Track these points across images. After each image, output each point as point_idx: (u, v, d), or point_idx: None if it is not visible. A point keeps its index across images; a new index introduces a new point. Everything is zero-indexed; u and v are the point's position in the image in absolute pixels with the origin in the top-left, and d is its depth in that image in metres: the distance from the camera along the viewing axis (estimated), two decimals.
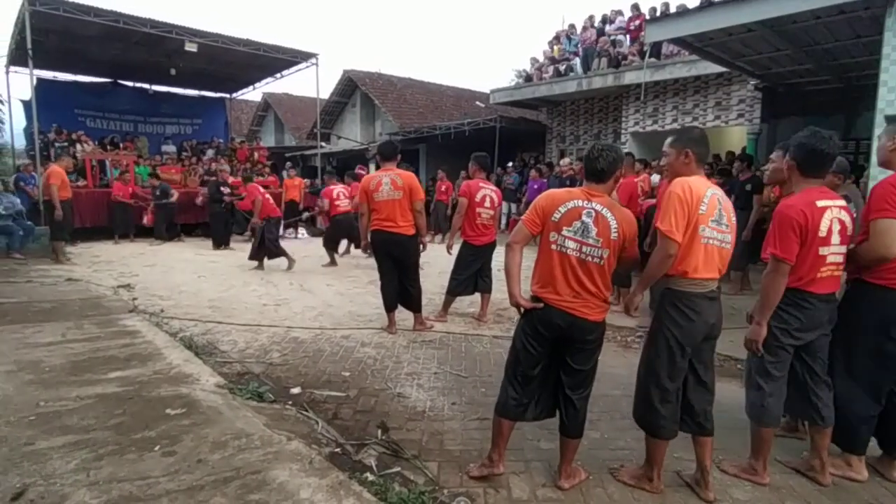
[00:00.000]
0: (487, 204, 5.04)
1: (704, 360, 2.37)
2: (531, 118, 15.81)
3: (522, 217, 2.43)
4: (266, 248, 7.93)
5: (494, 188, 5.24)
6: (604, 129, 13.07)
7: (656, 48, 10.53)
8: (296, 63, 13.45)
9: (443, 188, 11.87)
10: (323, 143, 18.37)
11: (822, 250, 2.35)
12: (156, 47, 11.93)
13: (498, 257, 4.14)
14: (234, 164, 13.87)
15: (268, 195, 8.47)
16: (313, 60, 13.11)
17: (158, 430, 2.53)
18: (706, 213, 2.21)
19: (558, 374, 2.39)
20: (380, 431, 2.81)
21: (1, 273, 6.67)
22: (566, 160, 11.10)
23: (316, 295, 6.26)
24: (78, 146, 12.44)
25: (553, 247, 2.27)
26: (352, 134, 19.99)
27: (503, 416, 2.40)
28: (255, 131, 24.77)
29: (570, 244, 2.24)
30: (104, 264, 8.07)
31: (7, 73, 11.58)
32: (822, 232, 2.33)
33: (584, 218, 2.24)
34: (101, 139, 13.55)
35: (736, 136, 10.79)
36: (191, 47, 11.02)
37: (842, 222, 2.37)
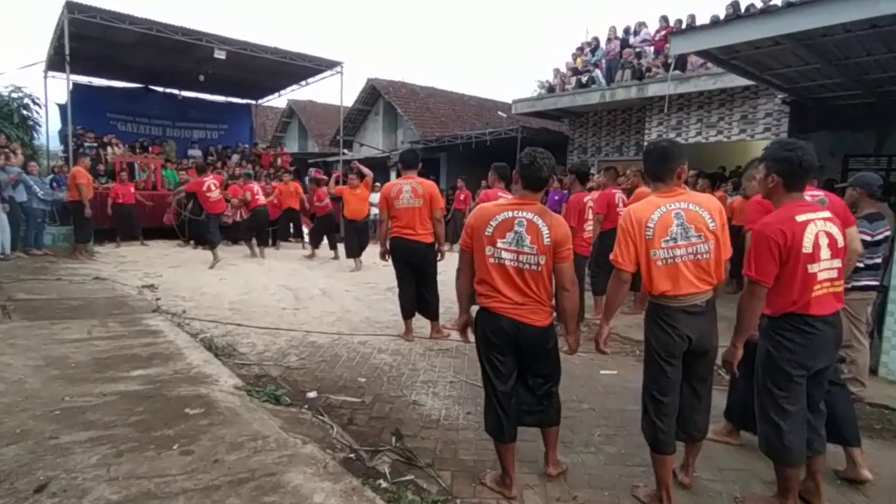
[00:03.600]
0: None
1: (700, 376, 2.37)
2: (553, 129, 15.77)
3: (460, 241, 2.53)
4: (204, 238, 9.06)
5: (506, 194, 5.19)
6: (626, 141, 12.96)
7: (681, 60, 10.43)
8: (321, 71, 13.67)
9: (461, 197, 11.90)
10: (345, 150, 18.57)
11: (811, 267, 2.18)
12: (186, 54, 12.26)
13: None
14: (258, 170, 14.13)
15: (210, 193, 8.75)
16: (338, 69, 13.31)
17: (177, 429, 2.56)
18: (654, 236, 2.20)
19: (523, 380, 2.45)
20: (394, 438, 2.81)
21: (32, 271, 6.87)
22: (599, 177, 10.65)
23: (334, 300, 6.30)
24: (109, 149, 12.81)
25: (491, 259, 2.33)
26: (374, 142, 20.17)
27: (498, 439, 2.40)
28: (280, 137, 25.16)
29: (507, 255, 2.30)
30: (130, 264, 8.27)
31: (45, 77, 12.00)
32: (807, 248, 2.17)
33: (516, 228, 2.29)
34: (132, 143, 13.94)
35: (762, 150, 10.60)
36: (220, 54, 11.29)
37: (829, 235, 2.21)
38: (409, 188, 4.62)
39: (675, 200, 2.26)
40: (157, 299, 5.75)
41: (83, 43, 10.65)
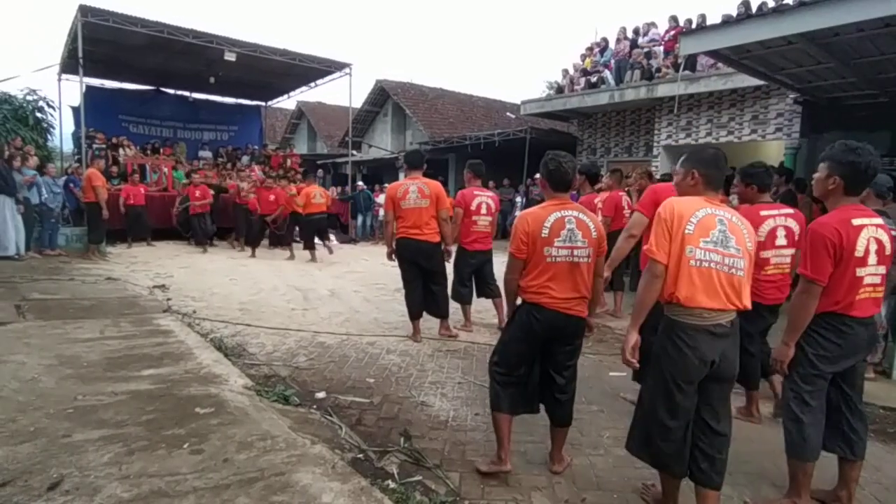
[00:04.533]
0: (484, 211, 5.01)
1: (712, 404, 2.10)
2: (562, 130, 15.72)
3: (510, 249, 2.55)
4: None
5: (491, 194, 5.23)
6: (635, 142, 12.90)
7: (691, 61, 10.36)
8: (330, 72, 13.73)
9: None
10: (354, 152, 18.65)
11: (860, 271, 2.23)
12: (197, 56, 12.38)
13: (500, 265, 4.21)
14: (267, 171, 14.22)
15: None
16: (347, 70, 13.37)
17: (188, 428, 2.59)
18: (694, 233, 2.01)
19: (543, 376, 2.59)
20: (402, 439, 2.82)
21: (46, 271, 6.97)
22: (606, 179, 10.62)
23: (343, 301, 6.33)
24: (120, 150, 12.96)
25: (548, 259, 2.44)
26: (383, 143, 20.23)
27: (497, 409, 2.55)
28: (289, 139, 25.30)
29: (563, 252, 2.44)
30: (141, 265, 8.35)
31: (59, 80, 12.17)
32: (859, 252, 2.21)
33: (567, 226, 2.45)
34: (143, 144, 14.08)
35: (773, 150, 10.49)
36: (230, 57, 11.38)
37: (879, 241, 2.26)
38: (415, 188, 4.63)
39: (719, 207, 2.11)
40: (168, 299, 5.81)
41: (96, 46, 10.79)
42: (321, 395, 3.41)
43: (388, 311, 5.86)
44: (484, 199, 5.04)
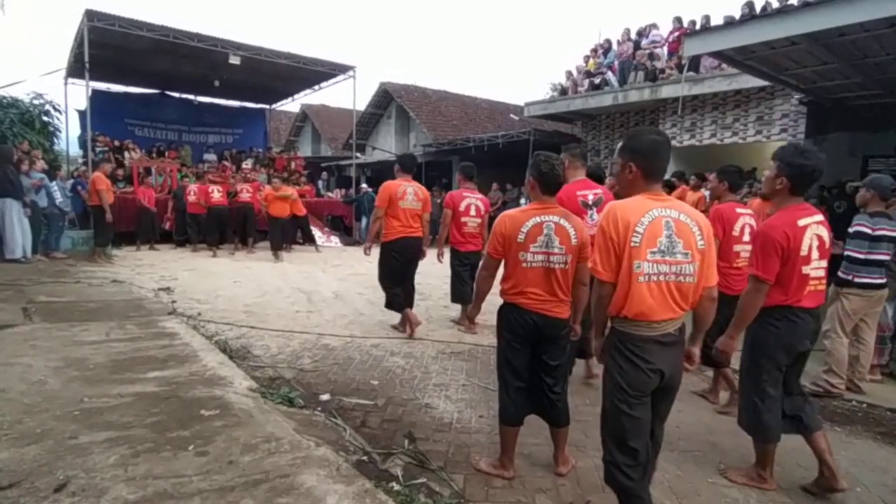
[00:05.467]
0: (473, 212, 5.23)
1: (661, 416, 2.07)
2: (565, 131, 15.71)
3: (487, 248, 2.58)
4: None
5: (481, 196, 5.39)
6: None
7: (695, 62, 10.34)
8: (334, 75, 13.78)
9: None
10: (358, 154, 18.69)
11: (805, 269, 2.41)
12: (201, 60, 12.45)
13: None
14: (271, 174, 14.28)
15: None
16: (351, 73, 13.40)
17: (193, 430, 2.59)
18: (641, 244, 1.84)
19: (538, 379, 2.57)
20: (407, 441, 2.82)
21: (52, 274, 7.00)
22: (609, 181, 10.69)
23: (347, 303, 6.34)
24: (126, 154, 13.03)
25: (523, 264, 2.44)
26: (387, 145, 20.27)
27: (506, 423, 2.56)
28: (293, 141, 25.39)
29: (539, 258, 2.43)
30: (146, 267, 8.39)
31: (65, 84, 12.25)
32: (804, 251, 2.38)
33: (545, 231, 2.42)
34: (149, 147, 14.16)
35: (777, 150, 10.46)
36: (234, 60, 11.44)
37: (820, 238, 2.43)
38: (412, 190, 4.92)
39: (665, 205, 1.92)
40: (174, 302, 5.83)
41: (102, 50, 10.86)
42: (325, 397, 3.42)
43: (393, 313, 5.84)
44: (472, 200, 5.24)
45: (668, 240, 1.86)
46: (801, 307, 2.44)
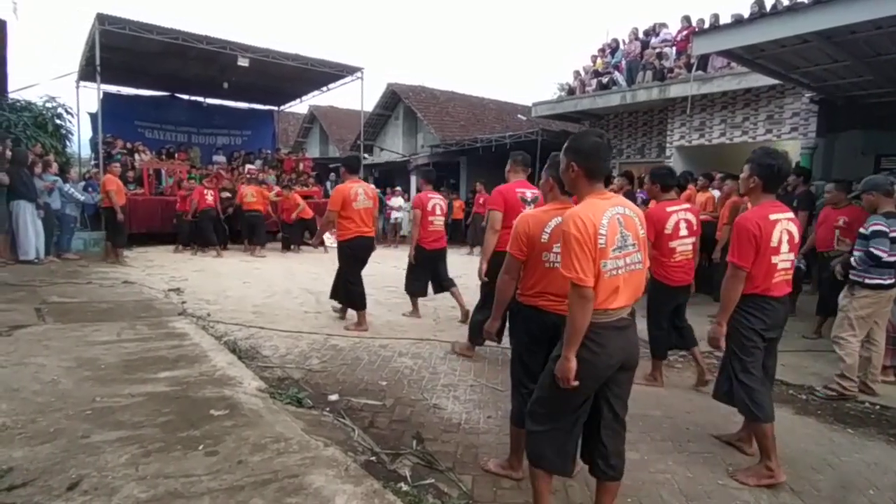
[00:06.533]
0: (438, 212, 5.62)
1: (621, 395, 2.10)
2: (573, 131, 15.64)
3: (510, 249, 2.46)
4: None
5: (441, 197, 5.90)
6: (648, 143, 12.80)
7: (703, 61, 10.26)
8: (342, 77, 13.82)
9: (480, 200, 11.88)
10: (366, 155, 18.73)
11: (774, 258, 2.66)
12: (210, 62, 12.54)
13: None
14: (280, 175, 14.36)
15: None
16: (358, 74, 13.45)
17: (202, 430, 2.61)
18: (606, 245, 1.92)
19: None
20: (415, 442, 2.82)
21: (65, 275, 7.09)
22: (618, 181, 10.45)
23: None
24: (136, 156, 13.15)
25: (546, 264, 2.39)
26: (394, 146, 20.31)
27: (517, 425, 2.47)
28: (301, 143, 25.51)
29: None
30: (157, 268, 8.46)
31: (77, 88, 12.39)
32: (774, 242, 2.64)
33: None
34: (158, 149, 14.28)
35: (789, 150, 10.29)
36: (243, 62, 11.51)
37: (789, 233, 2.69)
38: (362, 191, 5.18)
39: (614, 203, 2.02)
40: (183, 302, 5.88)
41: (112, 53, 10.97)
42: (334, 397, 3.43)
43: (400, 313, 5.87)
44: (437, 201, 5.68)
45: (621, 235, 1.97)
46: (772, 296, 2.70)
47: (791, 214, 2.76)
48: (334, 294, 5.45)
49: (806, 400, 3.80)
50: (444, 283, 5.67)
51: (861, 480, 2.69)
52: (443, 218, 5.70)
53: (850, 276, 3.78)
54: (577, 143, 2.06)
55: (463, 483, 2.47)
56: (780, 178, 2.76)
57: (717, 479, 2.64)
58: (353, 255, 5.19)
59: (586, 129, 2.63)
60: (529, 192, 4.11)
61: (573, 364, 1.92)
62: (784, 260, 2.69)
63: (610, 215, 1.95)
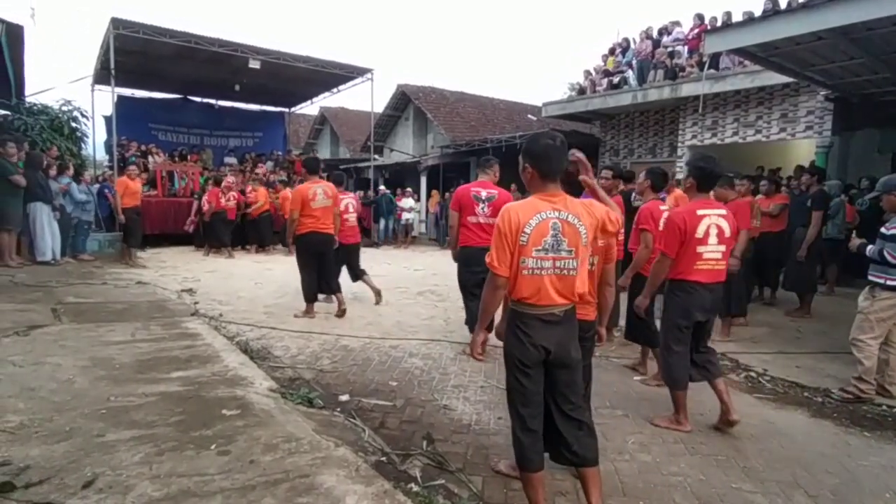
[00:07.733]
0: (351, 209, 6.35)
1: (563, 391, 2.16)
2: (584, 131, 15.59)
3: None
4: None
5: (353, 195, 6.91)
6: (659, 143, 12.70)
7: (716, 59, 10.17)
8: (352, 78, 13.89)
9: None
10: (376, 156, 18.79)
11: (699, 248, 3.03)
12: (222, 65, 12.66)
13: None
14: (291, 176, 14.45)
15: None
16: (369, 75, 13.50)
17: (215, 430, 2.63)
18: (528, 243, 2.03)
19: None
20: (425, 443, 2.82)
21: (80, 276, 7.19)
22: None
23: (365, 304, 6.37)
24: (150, 158, 13.32)
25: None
26: (405, 147, 20.34)
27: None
28: (312, 144, 25.65)
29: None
30: (170, 269, 8.56)
31: (92, 91, 12.57)
32: (699, 234, 3.01)
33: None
34: (171, 151, 14.45)
35: (804, 149, 10.22)
36: (254, 64, 11.61)
37: (719, 227, 3.05)
38: (321, 190, 5.49)
39: (555, 207, 2.08)
40: (196, 303, 5.94)
41: (126, 56, 11.13)
42: (345, 397, 3.44)
43: (411, 314, 5.88)
44: (349, 200, 6.39)
45: (553, 239, 2.06)
46: (695, 281, 3.06)
47: (723, 211, 3.12)
48: (318, 288, 5.81)
49: (822, 403, 3.74)
50: (356, 273, 6.35)
51: (877, 484, 2.64)
52: (354, 214, 6.42)
53: (870, 277, 3.71)
54: (531, 146, 2.16)
55: (473, 484, 2.46)
56: (712, 179, 3.17)
57: (730, 481, 2.61)
58: (306, 249, 5.52)
59: (543, 131, 2.62)
60: (485, 192, 4.47)
61: (480, 338, 2.31)
62: (711, 251, 3.05)
63: (543, 217, 2.05)
